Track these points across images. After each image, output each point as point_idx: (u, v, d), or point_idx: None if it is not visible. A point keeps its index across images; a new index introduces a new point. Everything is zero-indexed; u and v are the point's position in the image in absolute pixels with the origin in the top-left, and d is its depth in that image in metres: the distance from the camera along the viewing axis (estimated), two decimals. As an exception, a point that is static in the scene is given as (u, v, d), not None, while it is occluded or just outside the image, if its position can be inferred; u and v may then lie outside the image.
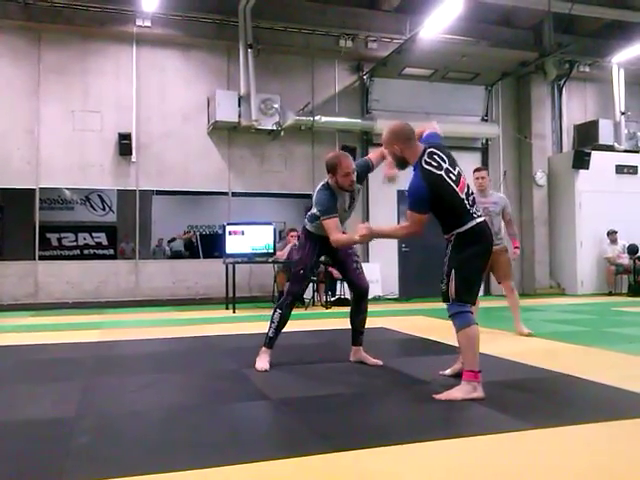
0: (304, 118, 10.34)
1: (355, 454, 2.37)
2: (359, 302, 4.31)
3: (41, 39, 9.51)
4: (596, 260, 11.49)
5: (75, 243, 9.60)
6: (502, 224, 6.01)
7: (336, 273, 9.45)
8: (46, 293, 9.40)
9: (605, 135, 11.85)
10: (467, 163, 11.54)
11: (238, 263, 8.80)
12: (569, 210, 11.52)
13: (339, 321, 7.13)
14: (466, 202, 3.32)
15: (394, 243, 11.09)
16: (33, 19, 9.31)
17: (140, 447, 2.54)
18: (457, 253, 3.31)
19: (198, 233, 10.22)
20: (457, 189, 3.30)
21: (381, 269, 10.78)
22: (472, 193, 3.42)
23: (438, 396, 3.21)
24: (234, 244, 8.96)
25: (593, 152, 11.39)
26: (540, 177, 11.68)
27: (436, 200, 3.27)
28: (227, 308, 8.80)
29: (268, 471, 2.22)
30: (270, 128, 9.94)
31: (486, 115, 11.76)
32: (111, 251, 9.83)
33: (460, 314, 3.26)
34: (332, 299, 9.47)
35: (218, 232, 9.95)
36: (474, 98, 11.61)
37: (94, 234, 9.73)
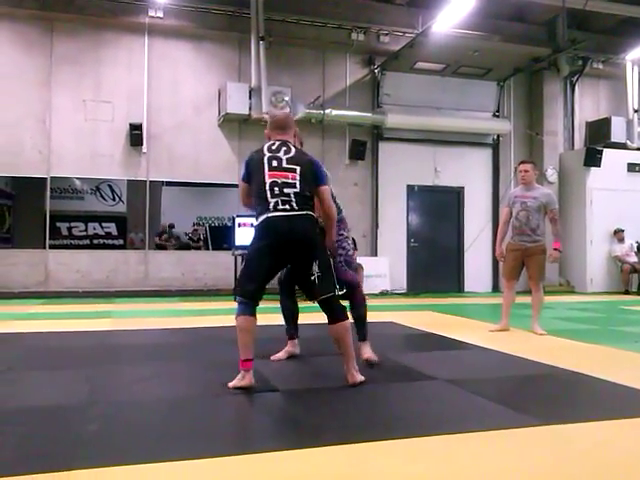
0: (314, 111, 10.33)
1: (360, 447, 2.38)
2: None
3: (54, 29, 9.53)
4: (606, 258, 11.43)
5: (85, 233, 9.65)
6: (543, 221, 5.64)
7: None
8: (56, 282, 9.47)
9: (617, 133, 11.75)
10: (478, 159, 11.63)
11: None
12: (580, 208, 11.45)
13: (348, 314, 7.15)
14: (267, 191, 3.28)
15: (403, 238, 11.08)
16: (46, 8, 9.34)
17: (149, 435, 2.56)
18: (250, 245, 3.43)
19: (207, 225, 10.25)
20: (266, 173, 3.31)
21: (389, 264, 10.77)
22: (288, 186, 3.29)
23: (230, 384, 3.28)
24: (243, 236, 8.96)
25: (605, 150, 11.30)
26: (551, 174, 11.61)
27: (250, 180, 3.42)
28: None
29: (272, 462, 2.23)
30: (281, 121, 9.91)
31: (497, 111, 11.69)
32: (121, 241, 9.88)
33: (238, 304, 3.35)
34: (340, 293, 9.45)
35: (227, 224, 9.98)
36: (486, 94, 11.55)
37: (104, 224, 9.78)
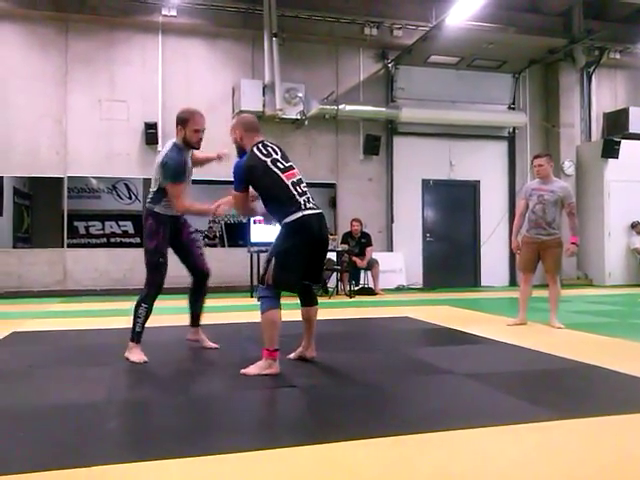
0: (328, 107, 10.32)
1: (379, 442, 2.38)
2: (201, 286, 4.46)
3: (68, 29, 9.62)
4: (624, 251, 11.30)
5: (102, 231, 9.74)
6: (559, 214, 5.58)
7: (359, 262, 9.48)
8: (74, 280, 9.57)
9: (635, 123, 11.57)
10: (493, 152, 11.55)
11: (262, 252, 8.83)
12: (597, 200, 11.33)
13: (363, 310, 7.15)
14: (293, 190, 3.51)
15: (418, 232, 11.05)
16: (60, 9, 9.42)
17: (168, 432, 2.59)
18: (282, 241, 3.52)
19: (223, 222, 10.29)
20: (282, 176, 3.53)
21: (405, 259, 10.75)
22: (302, 183, 3.60)
23: (242, 371, 3.50)
24: (259, 233, 9.01)
25: (623, 141, 11.16)
26: (568, 166, 11.49)
27: (258, 185, 3.63)
28: (251, 296, 8.86)
29: (289, 458, 2.24)
30: (294, 117, 9.93)
31: (513, 103, 11.60)
32: (137, 239, 9.94)
33: (266, 298, 3.49)
34: (356, 288, 9.47)
35: (242, 221, 10.01)
36: (501, 86, 11.46)
37: (121, 222, 9.86)
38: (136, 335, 4.05)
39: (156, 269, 4.10)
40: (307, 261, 3.54)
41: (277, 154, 3.64)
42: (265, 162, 3.57)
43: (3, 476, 2.04)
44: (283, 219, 3.51)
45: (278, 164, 3.57)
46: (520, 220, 5.75)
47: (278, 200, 3.55)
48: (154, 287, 4.10)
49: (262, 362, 3.48)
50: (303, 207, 3.47)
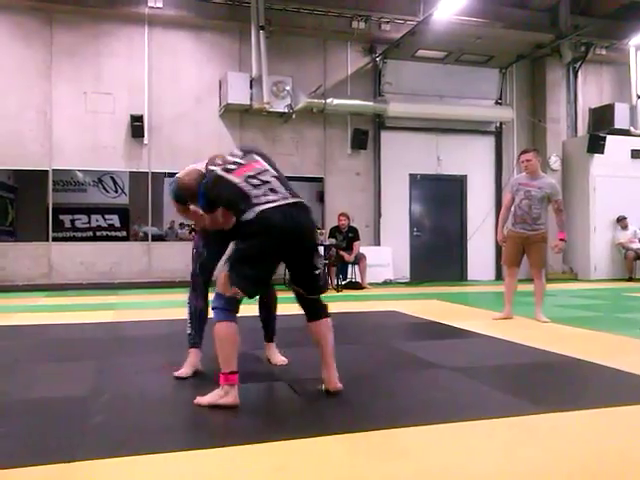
0: (316, 101, 10.28)
1: (364, 436, 2.39)
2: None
3: (53, 20, 9.49)
4: (610, 245, 11.41)
5: (88, 225, 9.66)
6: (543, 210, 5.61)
7: (347, 256, 9.48)
8: (60, 274, 9.49)
9: (621, 119, 11.68)
10: (480, 147, 11.59)
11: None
12: (583, 195, 11.42)
13: (350, 304, 7.15)
14: (245, 187, 2.87)
15: (406, 227, 11.07)
16: (45, 0, 9.30)
17: (154, 427, 2.57)
18: (240, 242, 2.95)
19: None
20: (230, 176, 2.93)
21: (392, 253, 10.77)
22: (265, 172, 2.97)
23: (196, 401, 2.82)
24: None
25: (608, 136, 11.24)
26: (554, 161, 11.56)
27: (219, 199, 3.04)
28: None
29: (279, 452, 2.24)
30: (282, 111, 9.90)
31: (500, 98, 11.64)
32: (124, 233, 9.88)
33: (219, 310, 2.84)
34: (343, 282, 9.48)
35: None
36: (488, 81, 11.49)
37: (107, 216, 9.78)
38: None
39: None
40: (276, 263, 2.97)
41: (234, 158, 3.06)
42: (214, 171, 3.07)
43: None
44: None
45: (228, 166, 3.00)
46: (506, 213, 5.79)
47: (235, 207, 2.91)
48: None
49: (218, 389, 2.80)
50: (260, 201, 2.80)
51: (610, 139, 11.21)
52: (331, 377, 2.98)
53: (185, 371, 3.45)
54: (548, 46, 10.98)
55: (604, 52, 11.97)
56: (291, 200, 2.91)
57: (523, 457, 2.19)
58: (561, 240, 5.62)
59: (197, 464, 2.13)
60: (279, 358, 3.76)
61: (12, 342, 4.70)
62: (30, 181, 9.51)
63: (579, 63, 11.94)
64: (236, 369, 2.80)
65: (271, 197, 2.85)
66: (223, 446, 2.27)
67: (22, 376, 3.49)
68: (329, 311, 3.07)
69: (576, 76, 12.09)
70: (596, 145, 11.13)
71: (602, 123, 11.88)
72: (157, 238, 9.99)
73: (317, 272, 3.04)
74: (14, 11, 9.33)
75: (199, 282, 3.67)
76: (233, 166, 2.99)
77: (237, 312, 2.86)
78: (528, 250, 5.59)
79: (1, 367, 3.72)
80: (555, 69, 11.73)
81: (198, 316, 3.61)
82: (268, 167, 3.04)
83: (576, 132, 12.14)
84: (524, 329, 5.14)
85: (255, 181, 2.90)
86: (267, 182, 2.93)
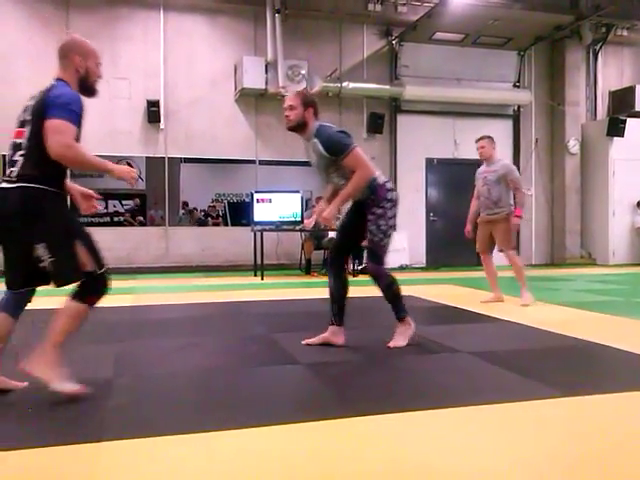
0: (331, 84, 10.22)
1: (383, 418, 2.41)
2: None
3: (69, 5, 9.51)
4: (629, 230, 11.28)
5: (105, 210, 9.74)
6: (503, 192, 5.71)
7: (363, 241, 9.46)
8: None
9: (642, 101, 11.49)
10: (498, 130, 11.42)
11: (266, 231, 8.85)
12: (602, 179, 11.27)
13: (366, 289, 7.15)
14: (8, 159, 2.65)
15: (422, 212, 11.02)
16: (61, -15, 9.32)
17: (175, 407, 2.61)
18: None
19: (226, 201, 10.27)
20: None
21: (408, 238, 10.73)
22: (14, 149, 2.66)
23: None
24: (262, 212, 9.00)
25: (629, 119, 11.06)
26: (573, 145, 11.42)
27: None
28: (255, 275, 8.89)
29: (297, 433, 2.26)
30: (297, 95, 9.84)
31: (518, 81, 11.49)
32: (141, 218, 9.96)
33: None
34: (359, 267, 9.47)
35: (246, 200, 10.00)
36: (506, 64, 11.34)
37: (124, 202, 9.86)
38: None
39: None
40: (7, 252, 2.72)
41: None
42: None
43: (13, 451, 2.07)
44: None
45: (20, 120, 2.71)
46: (474, 203, 5.98)
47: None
48: None
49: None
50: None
51: (630, 122, 11.03)
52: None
53: (313, 340, 3.76)
54: (568, 27, 10.80)
55: (625, 33, 11.75)
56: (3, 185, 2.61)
57: (541, 440, 2.19)
58: (517, 216, 5.69)
59: (216, 445, 2.16)
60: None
61: (29, 327, 4.77)
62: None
63: (599, 45, 11.74)
64: None
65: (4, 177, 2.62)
66: (246, 427, 2.30)
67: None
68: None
69: (596, 58, 11.89)
70: (616, 128, 10.96)
71: (622, 106, 11.69)
72: (173, 223, 10.06)
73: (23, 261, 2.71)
74: (31, -3, 9.36)
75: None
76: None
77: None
78: (494, 232, 5.75)
79: (24, 351, 3.77)
80: (575, 51, 11.54)
81: (331, 294, 3.79)
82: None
83: (595, 115, 11.96)
84: (542, 313, 5.12)
85: (14, 156, 2.63)
86: (16, 162, 2.62)
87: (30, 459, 2.03)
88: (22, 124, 2.70)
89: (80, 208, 3.16)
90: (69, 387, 2.63)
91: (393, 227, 3.70)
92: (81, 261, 2.72)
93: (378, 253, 3.67)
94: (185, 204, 10.13)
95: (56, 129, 2.56)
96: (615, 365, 3.42)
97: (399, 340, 3.76)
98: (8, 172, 2.63)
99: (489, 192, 5.72)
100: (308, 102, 3.62)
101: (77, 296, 2.78)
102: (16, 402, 2.69)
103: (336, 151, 3.55)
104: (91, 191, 3.17)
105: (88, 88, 2.95)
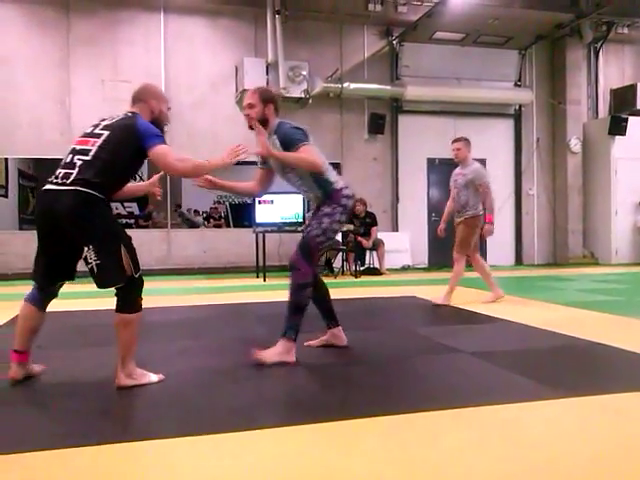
0: (332, 85, 10.22)
1: (386, 420, 2.40)
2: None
3: (70, 9, 9.52)
4: (631, 229, 11.25)
5: (107, 212, 9.73)
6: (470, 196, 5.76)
7: (365, 242, 9.46)
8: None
9: (643, 100, 11.46)
10: (500, 130, 11.45)
11: (268, 232, 8.85)
12: (604, 178, 11.25)
13: (369, 290, 7.16)
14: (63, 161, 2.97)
15: (424, 212, 11.01)
16: (62, -11, 9.33)
17: (176, 410, 2.61)
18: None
19: (228, 202, 10.28)
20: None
21: (410, 238, 10.73)
22: (83, 153, 2.94)
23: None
24: (264, 213, 9.00)
25: (630, 117, 11.04)
26: (574, 144, 11.39)
27: None
28: (257, 276, 8.89)
29: (298, 435, 2.26)
30: (298, 96, 9.85)
31: (519, 80, 11.47)
32: (142, 222, 9.96)
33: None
34: (361, 268, 9.47)
35: (247, 201, 10.00)
36: (507, 63, 11.32)
37: (126, 204, 9.86)
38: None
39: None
40: (47, 249, 3.02)
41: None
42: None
43: (19, 453, 2.07)
44: None
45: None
46: (449, 204, 6.05)
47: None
48: None
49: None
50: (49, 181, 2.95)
51: (632, 120, 11.01)
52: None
53: (314, 342, 3.78)
54: (568, 26, 10.78)
55: (626, 31, 11.73)
56: (55, 187, 2.95)
57: (545, 441, 2.18)
58: (488, 223, 5.72)
59: (212, 448, 2.16)
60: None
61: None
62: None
63: (600, 43, 11.72)
64: (20, 348, 2.99)
65: (54, 180, 2.99)
66: (248, 429, 2.29)
67: (46, 362, 3.55)
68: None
69: (597, 56, 11.87)
70: (617, 127, 10.95)
71: (624, 104, 11.65)
72: (175, 225, 10.06)
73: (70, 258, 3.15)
74: (31, 0, 9.37)
75: None
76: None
77: (37, 293, 3.13)
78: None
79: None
80: (575, 50, 11.52)
81: (312, 300, 3.66)
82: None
83: (597, 114, 11.94)
84: (544, 313, 5.11)
85: (69, 159, 2.99)
86: (72, 164, 2.95)
87: (30, 459, 2.03)
88: (90, 135, 2.98)
89: (154, 198, 3.74)
90: (155, 377, 2.99)
91: (334, 231, 3.47)
92: (125, 266, 2.92)
93: (309, 247, 3.40)
94: (178, 206, 10.12)
95: (165, 153, 2.95)
96: (618, 365, 3.41)
97: (267, 354, 3.34)
98: (62, 174, 2.91)
99: (458, 195, 5.76)
100: (267, 98, 3.54)
101: (120, 308, 3.02)
102: (21, 406, 2.68)
103: (288, 146, 3.44)
104: (155, 177, 3.68)
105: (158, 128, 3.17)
